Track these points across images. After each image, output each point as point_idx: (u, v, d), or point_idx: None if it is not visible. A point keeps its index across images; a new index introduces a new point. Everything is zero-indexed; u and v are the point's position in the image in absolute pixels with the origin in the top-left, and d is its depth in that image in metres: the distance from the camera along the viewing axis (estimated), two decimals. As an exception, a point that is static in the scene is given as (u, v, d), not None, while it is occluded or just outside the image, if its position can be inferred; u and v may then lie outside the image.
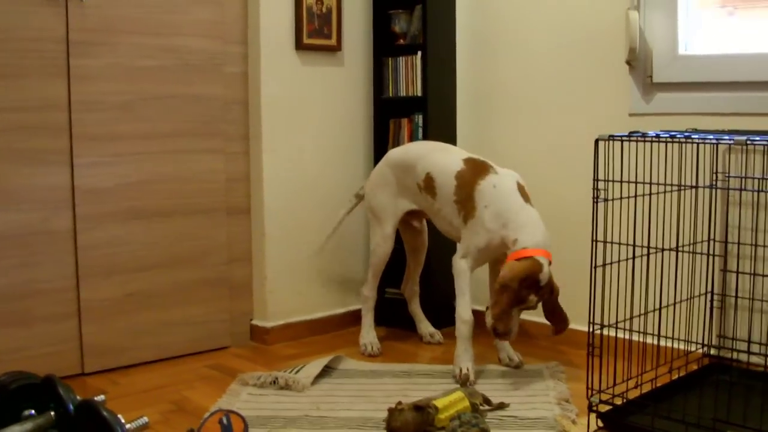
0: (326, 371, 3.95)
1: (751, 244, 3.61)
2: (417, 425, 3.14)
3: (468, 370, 3.80)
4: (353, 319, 4.72)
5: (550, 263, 3.65)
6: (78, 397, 2.87)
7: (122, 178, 4.03)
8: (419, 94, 4.61)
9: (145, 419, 2.77)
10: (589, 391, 3.20)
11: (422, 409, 3.14)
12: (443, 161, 4.01)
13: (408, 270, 4.58)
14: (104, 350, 4.04)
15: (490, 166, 3.90)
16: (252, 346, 4.50)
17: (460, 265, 3.89)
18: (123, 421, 2.62)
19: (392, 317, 4.76)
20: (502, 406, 3.43)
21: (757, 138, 2.97)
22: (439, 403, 3.18)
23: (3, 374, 3.02)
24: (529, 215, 3.74)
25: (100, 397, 2.89)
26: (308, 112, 4.58)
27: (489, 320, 3.65)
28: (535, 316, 4.46)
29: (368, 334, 4.36)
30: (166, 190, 4.18)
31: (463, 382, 3.73)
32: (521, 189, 3.82)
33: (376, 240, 4.31)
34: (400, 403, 3.17)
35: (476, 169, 3.90)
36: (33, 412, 2.96)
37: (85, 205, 3.93)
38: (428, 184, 4.03)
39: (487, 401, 3.41)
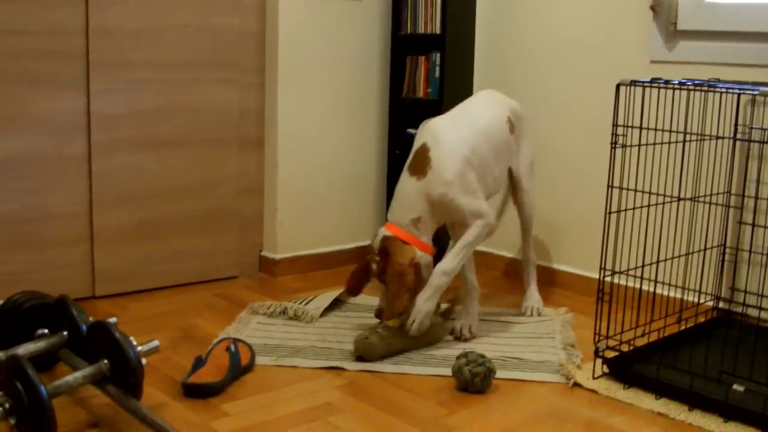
0: (335, 304, 3.98)
1: None
2: (384, 348, 3.35)
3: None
4: (362, 254, 4.73)
5: (394, 236, 3.42)
6: (90, 318, 2.89)
7: (136, 106, 4.02)
8: (438, 31, 4.56)
9: (156, 342, 2.81)
10: (596, 337, 3.22)
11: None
12: None
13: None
14: (115, 275, 4.06)
15: (443, 115, 3.66)
16: (260, 277, 4.52)
17: None
18: (135, 343, 2.65)
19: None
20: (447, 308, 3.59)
21: (782, 90, 2.94)
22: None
23: (17, 294, 3.05)
24: (398, 186, 3.50)
25: (112, 320, 2.92)
26: (324, 46, 4.54)
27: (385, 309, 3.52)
28: (545, 260, 4.48)
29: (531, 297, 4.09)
30: (180, 119, 4.17)
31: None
32: (419, 153, 3.48)
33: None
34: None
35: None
36: (46, 331, 3.00)
37: (99, 132, 3.92)
38: None
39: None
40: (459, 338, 3.57)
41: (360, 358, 3.32)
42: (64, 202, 3.88)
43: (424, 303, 3.41)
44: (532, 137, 3.98)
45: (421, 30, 4.64)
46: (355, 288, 3.56)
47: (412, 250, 3.39)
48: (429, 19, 4.61)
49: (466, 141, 3.50)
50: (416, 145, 3.52)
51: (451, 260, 3.44)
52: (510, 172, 3.85)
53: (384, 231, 3.44)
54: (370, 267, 3.47)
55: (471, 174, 3.48)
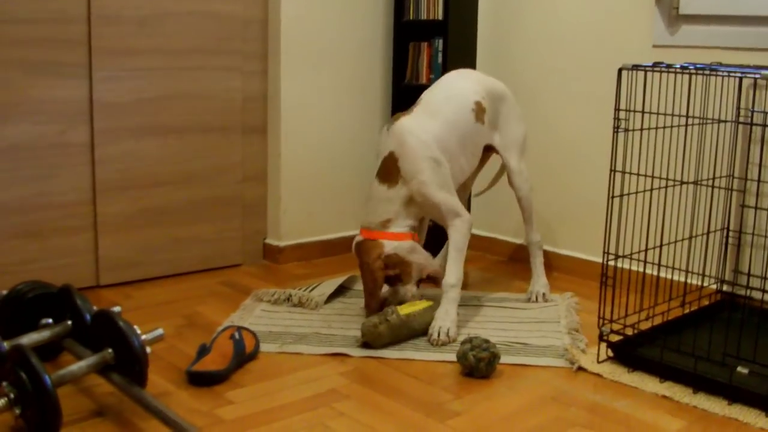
0: (340, 290, 3.99)
1: (770, 182, 3.60)
2: (391, 337, 3.35)
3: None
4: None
5: (363, 239, 3.53)
6: (94, 307, 2.90)
7: (139, 93, 4.02)
8: (440, 17, 4.56)
9: (161, 331, 2.82)
10: (600, 321, 3.22)
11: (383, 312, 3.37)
12: None
13: None
14: (119, 264, 4.07)
15: (407, 113, 3.62)
16: (264, 264, 4.52)
17: None
18: (139, 331, 2.65)
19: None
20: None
21: (784, 73, 2.94)
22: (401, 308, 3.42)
23: (20, 284, 3.05)
24: (369, 193, 3.57)
25: (116, 308, 2.92)
26: (328, 32, 4.54)
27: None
28: (549, 245, 4.48)
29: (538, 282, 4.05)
30: (183, 106, 4.17)
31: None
32: (387, 160, 3.51)
33: None
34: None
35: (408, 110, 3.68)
36: (50, 320, 3.00)
37: (102, 119, 3.92)
38: None
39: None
40: (433, 343, 3.39)
41: (366, 344, 3.33)
42: (68, 190, 3.88)
43: (444, 319, 3.44)
44: (521, 117, 3.94)
45: (423, 16, 4.64)
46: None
47: (379, 246, 3.47)
48: (432, 5, 4.60)
49: (433, 139, 3.53)
50: (383, 151, 3.55)
51: (453, 272, 3.48)
52: (499, 155, 3.89)
53: (357, 238, 3.56)
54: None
55: (443, 170, 3.52)
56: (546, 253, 4.42)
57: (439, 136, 3.54)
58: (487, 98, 3.76)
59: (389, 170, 3.50)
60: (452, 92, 3.68)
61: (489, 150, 3.89)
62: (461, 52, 4.63)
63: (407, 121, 3.54)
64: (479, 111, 3.70)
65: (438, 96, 3.66)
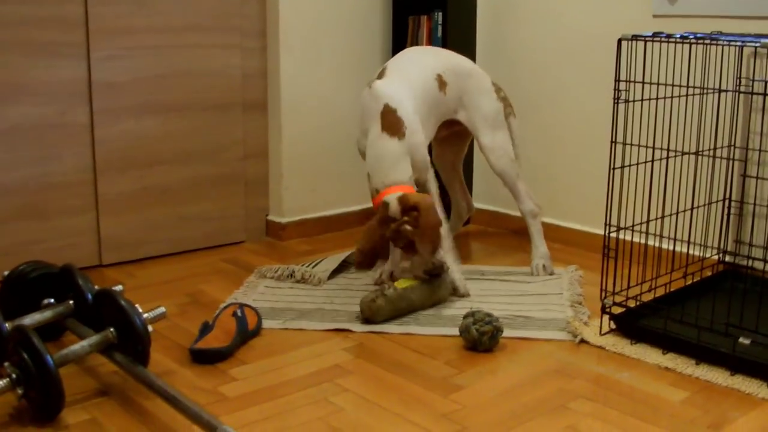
0: (343, 266, 3.99)
1: (772, 151, 3.59)
2: (391, 310, 3.35)
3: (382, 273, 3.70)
4: (368, 217, 4.73)
5: (397, 195, 3.37)
6: (96, 287, 2.90)
7: (138, 72, 4.01)
8: (439, -9, 4.54)
9: (163, 309, 2.82)
10: (603, 293, 3.22)
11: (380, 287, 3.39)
12: None
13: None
14: (121, 243, 4.07)
15: (380, 77, 3.62)
16: (267, 241, 4.52)
17: None
18: (141, 310, 2.66)
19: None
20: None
21: (784, 42, 2.92)
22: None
23: (22, 264, 3.06)
24: (380, 150, 3.45)
25: (118, 287, 2.93)
26: (326, 7, 4.51)
27: (419, 268, 3.46)
28: (551, 217, 4.48)
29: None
30: (182, 84, 4.16)
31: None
32: (385, 113, 3.47)
33: None
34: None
35: (376, 78, 3.65)
36: (52, 300, 3.01)
37: (101, 99, 3.91)
38: None
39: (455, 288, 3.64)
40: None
41: (367, 320, 3.33)
42: (68, 170, 3.88)
43: (456, 265, 3.55)
44: (490, 92, 3.91)
45: (422, -11, 4.62)
46: (370, 264, 3.46)
47: (434, 202, 3.46)
48: (430, -22, 4.58)
49: (415, 101, 3.56)
50: (375, 107, 3.49)
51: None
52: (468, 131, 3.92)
53: (393, 195, 3.37)
54: (399, 235, 3.36)
55: (425, 131, 3.59)
56: (548, 226, 4.42)
57: (418, 99, 3.59)
58: (449, 73, 3.78)
59: (394, 123, 3.46)
60: (415, 63, 3.71)
61: (455, 125, 3.93)
62: (461, 25, 4.61)
63: (390, 82, 3.56)
64: (441, 83, 3.72)
65: (403, 64, 3.69)
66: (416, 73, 3.66)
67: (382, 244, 3.39)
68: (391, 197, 3.37)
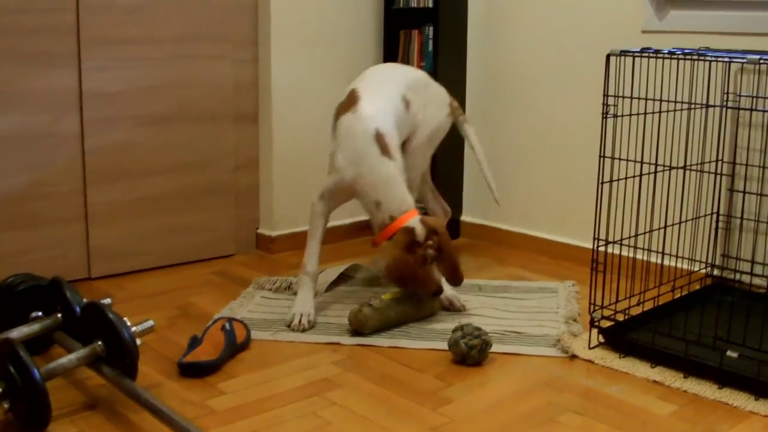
0: (342, 279, 4.01)
1: (760, 166, 3.60)
2: (379, 320, 3.36)
3: (303, 316, 3.43)
4: (359, 229, 4.74)
5: (419, 218, 3.40)
6: (84, 300, 2.90)
7: (129, 83, 4.01)
8: (430, 4, 4.55)
9: (151, 322, 2.81)
10: (592, 307, 3.23)
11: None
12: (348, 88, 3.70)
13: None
14: (111, 254, 4.07)
15: (356, 100, 3.51)
16: (257, 254, 4.52)
17: (314, 206, 3.59)
18: (129, 323, 2.66)
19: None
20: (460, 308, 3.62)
21: (771, 57, 2.94)
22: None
23: (11, 276, 3.06)
24: (386, 173, 3.40)
25: (107, 300, 2.93)
26: (318, 20, 4.53)
27: (427, 291, 3.43)
28: (540, 231, 4.49)
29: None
30: (173, 95, 4.16)
31: (299, 330, 3.41)
32: (379, 138, 3.42)
33: None
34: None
35: (348, 103, 3.53)
36: (40, 313, 3.00)
37: (92, 109, 3.91)
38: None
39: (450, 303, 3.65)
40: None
41: (356, 332, 3.34)
42: (58, 180, 3.88)
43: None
44: (444, 107, 3.92)
45: (414, 3, 4.63)
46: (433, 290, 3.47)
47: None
48: (421, -8, 4.60)
49: (394, 123, 3.54)
50: (368, 131, 3.42)
51: None
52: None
53: (415, 220, 3.38)
54: (424, 259, 3.37)
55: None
56: (537, 239, 4.44)
57: (394, 121, 3.55)
58: (412, 92, 3.75)
59: (387, 146, 3.44)
60: (385, 84, 3.67)
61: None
62: (452, 40, 4.63)
63: (370, 106, 3.50)
64: (406, 102, 3.70)
65: (375, 86, 3.62)
66: (389, 94, 3.62)
67: (416, 270, 3.35)
68: (415, 222, 3.37)
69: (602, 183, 3.18)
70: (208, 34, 4.22)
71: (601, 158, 3.17)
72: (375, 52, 4.80)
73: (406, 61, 4.72)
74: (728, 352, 2.87)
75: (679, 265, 3.79)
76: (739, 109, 3.64)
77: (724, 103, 3.67)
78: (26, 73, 3.73)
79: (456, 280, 3.47)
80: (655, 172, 3.39)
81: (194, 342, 3.09)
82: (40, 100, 3.78)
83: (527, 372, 3.03)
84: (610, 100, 3.14)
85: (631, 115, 3.26)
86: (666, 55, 3.15)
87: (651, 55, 3.17)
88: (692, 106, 3.60)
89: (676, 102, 3.39)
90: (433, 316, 3.54)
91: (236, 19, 4.33)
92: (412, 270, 3.32)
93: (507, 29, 4.55)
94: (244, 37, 4.38)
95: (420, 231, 3.35)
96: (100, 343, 2.68)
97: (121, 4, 3.93)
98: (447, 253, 3.43)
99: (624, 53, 3.15)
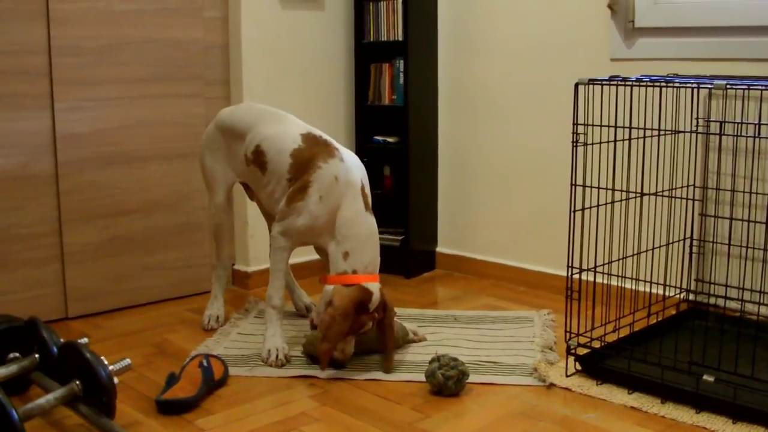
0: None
1: (730, 190, 3.63)
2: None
3: (278, 350, 3.42)
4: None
5: (379, 287, 3.32)
6: (61, 339, 2.89)
7: (102, 123, 4.02)
8: (400, 38, 4.59)
9: (128, 361, 2.81)
10: (567, 335, 3.24)
11: None
12: (278, 134, 3.53)
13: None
14: (87, 294, 4.05)
15: (334, 148, 3.43)
16: (233, 290, 4.51)
17: (279, 241, 3.47)
18: (106, 362, 2.65)
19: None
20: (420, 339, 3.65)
21: (737, 83, 2.98)
22: None
23: (-14, 318, 3.04)
24: (367, 229, 3.36)
25: (83, 340, 2.92)
26: (289, 56, 4.55)
27: (325, 348, 3.21)
28: (515, 260, 4.51)
29: (212, 306, 3.96)
30: (146, 134, 4.17)
31: (278, 365, 3.39)
32: (363, 189, 3.40)
33: (210, 209, 3.91)
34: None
35: (317, 149, 3.42)
36: (17, 354, 2.99)
37: (66, 150, 3.92)
38: (257, 158, 3.55)
39: (414, 333, 3.66)
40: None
41: (308, 355, 3.42)
42: (33, 222, 3.87)
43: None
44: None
45: (384, 37, 4.67)
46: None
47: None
48: (391, 26, 4.63)
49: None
50: (355, 182, 3.39)
51: None
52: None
53: (376, 286, 3.31)
54: (361, 325, 3.30)
55: None
56: (512, 268, 4.47)
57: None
58: None
59: (368, 201, 3.43)
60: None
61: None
62: (422, 72, 4.66)
63: (347, 155, 3.47)
64: None
65: (322, 133, 3.56)
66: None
67: (345, 329, 3.25)
68: (375, 288, 3.30)
69: (574, 211, 3.20)
70: (180, 73, 4.23)
71: (572, 186, 3.20)
72: (346, 86, 4.83)
73: (377, 94, 4.75)
74: (704, 377, 2.89)
75: (653, 290, 3.81)
76: (708, 134, 3.69)
77: (694, 129, 3.71)
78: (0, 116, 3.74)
79: (386, 367, 3.33)
80: (627, 199, 3.42)
81: (172, 379, 3.08)
82: (14, 142, 3.78)
83: (504, 401, 3.04)
84: (580, 129, 3.17)
85: (601, 143, 3.29)
86: (634, 83, 3.19)
87: (619, 83, 3.21)
88: (662, 132, 3.64)
89: (645, 129, 3.43)
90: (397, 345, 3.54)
91: (207, 58, 4.35)
92: (343, 327, 3.21)
93: (477, 60, 4.59)
94: (215, 76, 4.40)
95: (375, 299, 3.28)
96: (77, 382, 2.67)
97: (93, 46, 3.94)
98: (388, 336, 3.36)
99: (592, 81, 3.18)
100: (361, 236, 3.34)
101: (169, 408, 2.94)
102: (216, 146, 3.76)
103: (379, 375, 3.27)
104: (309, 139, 3.49)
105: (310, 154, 3.41)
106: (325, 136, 3.52)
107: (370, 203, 3.42)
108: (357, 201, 3.36)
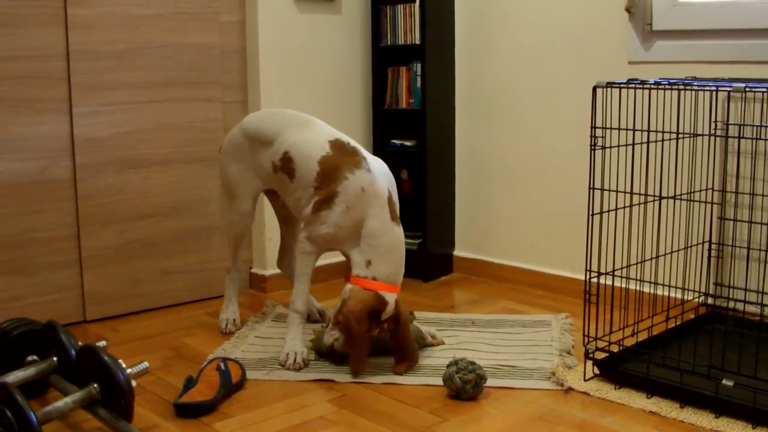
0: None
1: (749, 193, 3.61)
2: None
3: (297, 354, 3.41)
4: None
5: (396, 298, 3.32)
6: (79, 343, 2.90)
7: (120, 127, 4.03)
8: (417, 42, 4.59)
9: (146, 364, 2.81)
10: (586, 339, 3.23)
11: None
12: (306, 141, 3.50)
13: (282, 243, 4.11)
14: (105, 298, 4.07)
15: (361, 157, 3.40)
16: (250, 293, 4.52)
17: (305, 246, 3.46)
18: (124, 365, 2.65)
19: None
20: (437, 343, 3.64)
21: (756, 85, 2.96)
22: None
23: (5, 321, 3.06)
24: (392, 240, 3.33)
25: (101, 343, 2.93)
26: (306, 60, 4.56)
27: (329, 341, 3.30)
28: (533, 264, 4.50)
29: (228, 309, 3.95)
30: (163, 138, 4.18)
31: (295, 369, 3.38)
32: (390, 199, 3.38)
33: (232, 216, 3.85)
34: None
35: (345, 158, 3.40)
36: (36, 357, 3.00)
37: (84, 154, 3.93)
38: (285, 165, 3.53)
39: (432, 336, 3.65)
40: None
41: (318, 352, 3.47)
42: (52, 226, 3.88)
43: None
44: None
45: (401, 41, 4.67)
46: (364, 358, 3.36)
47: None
48: (408, 30, 4.63)
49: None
50: (383, 193, 3.37)
51: None
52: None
53: (393, 297, 3.31)
54: (368, 333, 3.31)
55: None
56: (530, 272, 4.46)
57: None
58: None
59: (395, 210, 3.41)
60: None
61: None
62: (439, 75, 4.66)
63: (374, 163, 3.45)
64: None
65: (352, 141, 3.54)
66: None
67: (364, 336, 3.28)
68: (392, 297, 3.30)
69: (593, 215, 3.19)
70: (197, 77, 4.25)
71: (591, 190, 3.18)
72: (364, 89, 4.83)
73: (395, 97, 4.75)
74: (724, 381, 2.87)
75: (672, 294, 3.80)
76: (727, 137, 3.67)
77: (712, 132, 3.69)
78: (18, 121, 3.75)
79: (405, 359, 3.36)
80: (645, 203, 3.41)
81: (189, 383, 3.09)
82: (33, 146, 3.80)
83: (522, 405, 3.03)
84: (598, 132, 3.15)
85: (619, 146, 3.28)
86: (652, 86, 3.18)
87: (637, 86, 3.19)
88: (680, 135, 3.63)
89: (664, 132, 3.42)
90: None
91: (225, 62, 4.36)
92: (360, 329, 3.23)
93: (494, 63, 4.58)
94: (233, 80, 4.41)
95: (389, 310, 3.28)
96: (95, 385, 2.67)
97: (111, 51, 3.96)
98: (397, 350, 3.37)
99: (610, 85, 3.17)
100: (385, 247, 3.32)
101: (186, 411, 2.94)
102: (241, 154, 3.72)
103: (397, 379, 3.27)
104: (337, 146, 3.46)
105: (338, 163, 3.39)
106: (353, 143, 3.49)
107: (397, 213, 3.40)
108: (383, 212, 3.34)
